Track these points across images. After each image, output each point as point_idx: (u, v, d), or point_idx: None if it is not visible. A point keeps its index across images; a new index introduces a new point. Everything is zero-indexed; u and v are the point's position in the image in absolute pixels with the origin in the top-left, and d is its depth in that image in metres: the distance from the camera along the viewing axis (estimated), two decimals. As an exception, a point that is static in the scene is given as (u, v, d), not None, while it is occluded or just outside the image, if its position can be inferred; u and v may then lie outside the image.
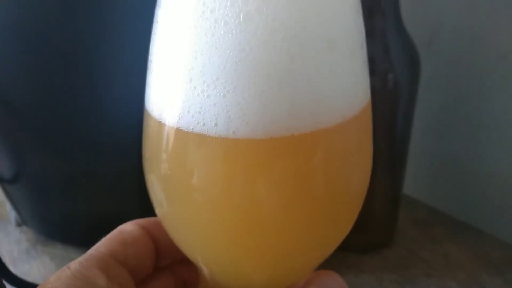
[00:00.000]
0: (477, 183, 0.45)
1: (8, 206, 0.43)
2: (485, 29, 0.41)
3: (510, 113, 0.41)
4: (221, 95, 0.14)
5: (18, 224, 0.44)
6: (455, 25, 0.43)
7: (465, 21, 0.43)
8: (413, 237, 0.43)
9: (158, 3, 0.16)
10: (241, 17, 0.13)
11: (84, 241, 0.44)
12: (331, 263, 0.20)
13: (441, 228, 0.44)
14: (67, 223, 0.42)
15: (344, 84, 0.15)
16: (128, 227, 0.20)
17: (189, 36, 0.14)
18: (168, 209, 0.17)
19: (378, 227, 0.41)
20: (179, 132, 0.15)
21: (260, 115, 0.14)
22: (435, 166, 0.49)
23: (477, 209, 0.45)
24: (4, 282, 0.32)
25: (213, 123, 0.14)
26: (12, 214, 0.44)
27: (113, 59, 0.34)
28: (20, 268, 0.39)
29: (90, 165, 0.38)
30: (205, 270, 0.18)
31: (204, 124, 0.14)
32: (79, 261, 0.18)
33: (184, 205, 0.16)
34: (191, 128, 0.14)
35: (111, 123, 0.35)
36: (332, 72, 0.15)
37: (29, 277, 0.35)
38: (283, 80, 0.14)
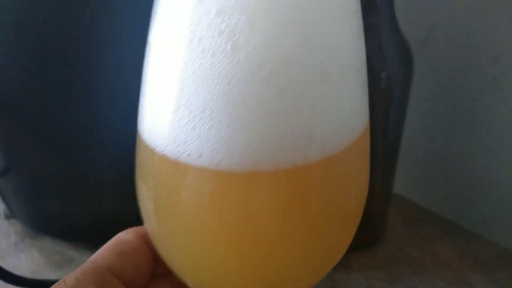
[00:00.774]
0: (468, 184, 0.46)
1: (-3, 198, 0.43)
2: (478, 30, 0.41)
3: (502, 114, 0.42)
4: (206, 127, 0.14)
5: (7, 217, 0.43)
6: (449, 25, 0.43)
7: (458, 22, 0.43)
8: (403, 235, 0.43)
9: (151, 22, 0.15)
10: (228, 48, 0.13)
11: (73, 235, 0.44)
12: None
13: (431, 227, 0.44)
14: (57, 217, 0.41)
15: (338, 114, 0.14)
16: (127, 237, 0.20)
17: (177, 64, 0.14)
18: (155, 227, 0.17)
19: (368, 225, 0.41)
20: (164, 159, 0.14)
21: (244, 149, 0.13)
22: (426, 165, 0.49)
23: (467, 209, 0.46)
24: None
25: (197, 154, 0.14)
26: (0, 207, 0.43)
27: (111, 54, 0.33)
28: (9, 261, 0.39)
29: (83, 160, 0.38)
30: None
31: (188, 155, 0.14)
32: (76, 276, 0.18)
33: (170, 228, 0.16)
34: (177, 157, 0.14)
35: (106, 117, 0.35)
36: (325, 104, 0.14)
37: (18, 270, 0.35)
38: (270, 114, 0.13)
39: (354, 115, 0.15)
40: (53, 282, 0.37)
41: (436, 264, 0.39)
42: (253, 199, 0.14)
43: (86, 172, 0.38)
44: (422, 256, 0.40)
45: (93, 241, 0.42)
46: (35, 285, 0.36)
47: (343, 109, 0.15)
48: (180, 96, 0.14)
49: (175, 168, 0.14)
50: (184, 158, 0.14)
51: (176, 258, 0.17)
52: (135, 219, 0.41)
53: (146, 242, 0.20)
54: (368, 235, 0.42)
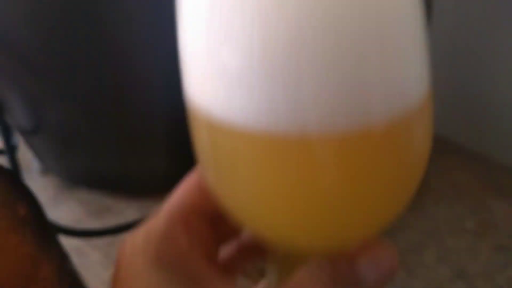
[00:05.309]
0: (486, 111, 0.46)
1: (29, 155, 0.45)
2: None
3: None
4: (264, 89, 0.14)
5: (43, 172, 0.45)
6: None
7: None
8: (422, 166, 0.45)
9: None
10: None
11: (108, 184, 0.46)
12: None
13: (450, 157, 0.46)
14: (90, 168, 0.43)
15: (402, 76, 0.14)
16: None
17: (228, 20, 0.14)
18: (214, 182, 0.17)
19: None
20: (221, 127, 0.15)
21: (305, 112, 0.13)
22: (444, 95, 0.50)
23: (484, 137, 0.47)
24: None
25: (255, 119, 0.14)
26: (34, 163, 0.45)
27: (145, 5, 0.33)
28: (50, 215, 0.41)
29: (112, 113, 0.39)
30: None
31: (246, 119, 0.14)
32: (165, 219, 0.19)
33: (228, 185, 0.16)
34: (233, 121, 0.14)
35: (134, 71, 0.36)
36: (387, 65, 0.14)
37: (62, 221, 0.37)
38: (334, 78, 0.13)
39: (417, 78, 0.15)
40: (96, 231, 0.39)
41: (455, 192, 0.41)
42: (314, 165, 0.14)
43: (117, 126, 0.40)
44: (442, 185, 0.42)
45: (128, 189, 0.44)
46: (78, 233, 0.39)
47: (406, 71, 0.15)
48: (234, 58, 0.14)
49: (232, 135, 0.14)
50: (242, 122, 0.14)
51: (239, 205, 0.17)
52: (164, 168, 0.42)
53: None
54: None
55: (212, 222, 0.20)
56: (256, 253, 0.22)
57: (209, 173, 0.17)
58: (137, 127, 0.40)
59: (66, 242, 0.36)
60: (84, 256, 0.38)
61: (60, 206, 0.42)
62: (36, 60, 0.37)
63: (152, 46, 0.35)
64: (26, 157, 0.45)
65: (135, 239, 0.18)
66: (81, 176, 0.44)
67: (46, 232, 0.25)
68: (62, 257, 0.26)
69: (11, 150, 0.37)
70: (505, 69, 0.43)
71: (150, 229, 0.18)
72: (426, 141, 0.17)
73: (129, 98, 0.38)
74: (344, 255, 0.17)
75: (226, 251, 0.22)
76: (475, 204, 0.40)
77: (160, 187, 0.29)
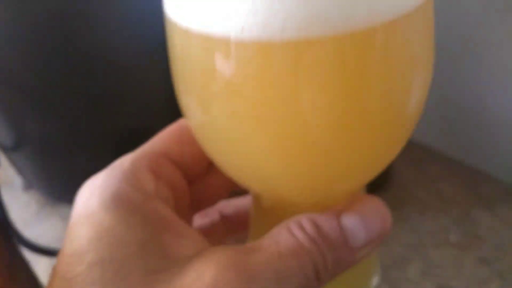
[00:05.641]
0: (470, 121, 0.46)
1: (12, 171, 0.45)
2: None
3: (504, 50, 0.41)
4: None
5: (26, 188, 0.45)
6: None
7: None
8: (409, 177, 0.44)
9: None
10: None
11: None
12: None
13: (436, 167, 0.45)
14: (73, 183, 0.43)
15: None
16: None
17: None
18: (197, 119, 0.16)
19: None
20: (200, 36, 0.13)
21: (295, 11, 0.12)
22: (431, 105, 0.50)
23: (470, 146, 0.46)
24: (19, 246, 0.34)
25: (240, 26, 0.13)
26: (17, 179, 0.45)
27: None
28: (33, 231, 0.41)
29: (96, 129, 0.39)
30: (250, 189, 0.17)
31: (229, 28, 0.13)
32: (132, 159, 0.17)
33: (213, 118, 0.15)
34: (217, 31, 0.13)
35: (120, 85, 0.36)
36: None
37: (42, 239, 0.37)
38: None
39: None
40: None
41: (440, 203, 0.41)
42: (307, 71, 0.13)
43: (97, 136, 0.39)
44: (427, 195, 0.42)
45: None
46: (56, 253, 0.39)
47: None
48: None
49: (214, 43, 0.13)
50: (225, 31, 0.13)
51: (224, 160, 0.16)
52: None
53: None
54: (376, 179, 0.43)
55: (190, 180, 0.18)
56: (239, 228, 0.20)
57: (189, 112, 0.16)
58: (121, 142, 0.40)
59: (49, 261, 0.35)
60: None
61: (43, 223, 0.42)
62: (15, 75, 0.36)
63: (138, 65, 0.35)
64: (8, 173, 0.45)
65: (93, 181, 0.16)
66: (63, 192, 0.44)
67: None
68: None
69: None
70: (491, 81, 0.43)
71: (111, 170, 0.16)
72: (427, 53, 0.15)
73: (114, 112, 0.38)
74: (329, 211, 0.15)
75: (204, 221, 0.20)
76: (459, 215, 0.39)
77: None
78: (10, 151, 0.42)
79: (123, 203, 0.15)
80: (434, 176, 0.44)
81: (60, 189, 0.44)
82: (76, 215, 0.16)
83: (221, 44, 0.13)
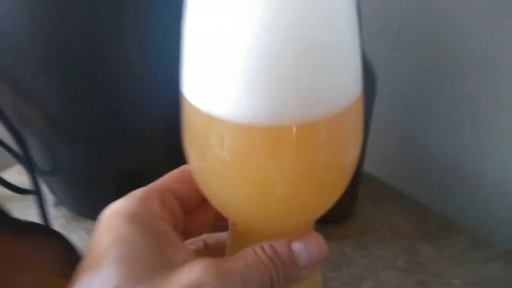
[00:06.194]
0: (424, 164, 0.55)
1: (45, 189, 0.53)
2: (445, 26, 0.48)
3: (460, 100, 0.50)
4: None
5: (55, 204, 0.54)
6: (420, 21, 0.50)
7: (428, 18, 0.49)
8: (369, 210, 0.54)
9: None
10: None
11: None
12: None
13: (393, 203, 0.55)
14: (94, 203, 0.51)
15: (339, 79, 0.17)
16: (188, 168, 0.24)
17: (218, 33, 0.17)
18: (198, 172, 0.21)
19: (341, 200, 0.51)
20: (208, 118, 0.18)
21: (267, 106, 0.17)
22: (391, 149, 0.59)
23: (421, 184, 0.56)
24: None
25: (231, 113, 0.17)
26: (49, 196, 0.54)
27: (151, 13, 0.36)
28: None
29: (115, 160, 0.47)
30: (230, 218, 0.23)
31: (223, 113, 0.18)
32: (144, 190, 0.22)
33: (208, 174, 0.20)
34: (216, 114, 0.18)
35: (133, 111, 0.41)
36: (326, 69, 0.17)
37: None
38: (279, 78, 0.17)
39: (352, 80, 0.18)
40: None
41: (393, 234, 0.50)
42: (273, 151, 0.18)
43: (121, 171, 0.48)
44: (384, 227, 0.51)
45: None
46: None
47: (343, 74, 0.18)
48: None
49: (225, 127, 0.18)
50: (218, 114, 0.18)
51: (217, 195, 0.21)
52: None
53: None
54: (342, 210, 0.52)
55: (185, 212, 0.24)
56: (218, 255, 0.25)
57: (191, 160, 0.21)
58: (139, 165, 0.48)
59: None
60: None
61: (70, 235, 0.50)
62: (49, 107, 0.41)
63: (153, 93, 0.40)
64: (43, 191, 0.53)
65: (115, 204, 0.21)
66: (86, 209, 0.53)
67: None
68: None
69: (38, 189, 0.45)
70: (448, 128, 0.51)
71: (130, 197, 0.21)
72: (357, 136, 0.20)
73: (130, 140, 0.45)
74: (284, 239, 0.20)
75: (191, 247, 0.25)
76: (407, 245, 0.49)
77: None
78: (46, 175, 0.51)
79: (137, 220, 0.20)
80: (391, 210, 0.54)
81: (83, 207, 0.53)
82: (102, 226, 0.21)
83: (216, 122, 0.18)
